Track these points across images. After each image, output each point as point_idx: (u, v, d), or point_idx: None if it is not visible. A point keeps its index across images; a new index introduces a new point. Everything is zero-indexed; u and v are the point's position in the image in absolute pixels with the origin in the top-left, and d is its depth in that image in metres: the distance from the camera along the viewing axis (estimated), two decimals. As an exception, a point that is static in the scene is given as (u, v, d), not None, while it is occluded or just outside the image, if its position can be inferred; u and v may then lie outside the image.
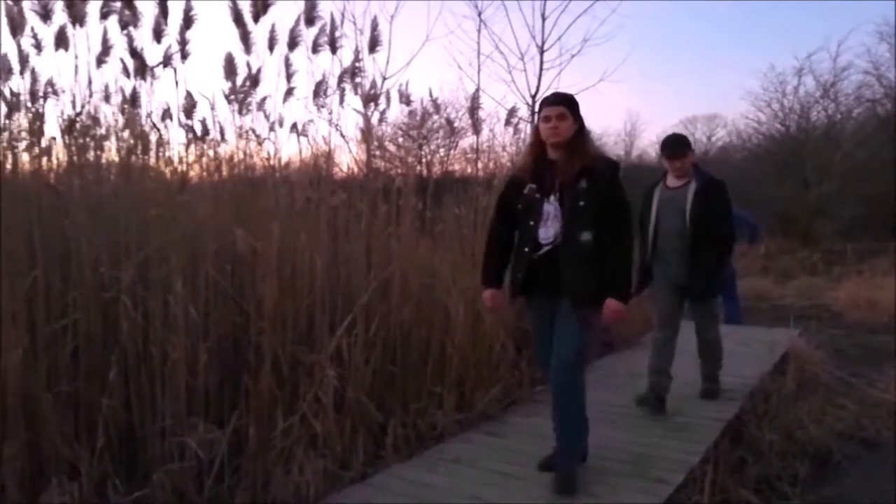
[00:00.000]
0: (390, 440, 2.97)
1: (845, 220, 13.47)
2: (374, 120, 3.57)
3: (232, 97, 3.34)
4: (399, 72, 3.44)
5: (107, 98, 3.29)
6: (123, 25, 3.00)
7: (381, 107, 3.59)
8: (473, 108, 3.56)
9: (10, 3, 2.83)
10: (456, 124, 4.52)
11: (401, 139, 4.83)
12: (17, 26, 2.88)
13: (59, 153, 3.17)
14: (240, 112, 3.37)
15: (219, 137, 3.44)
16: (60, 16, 2.86)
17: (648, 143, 26.60)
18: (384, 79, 3.56)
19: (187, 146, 3.47)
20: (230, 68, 3.26)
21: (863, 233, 13.22)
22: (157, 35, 3.06)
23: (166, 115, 3.37)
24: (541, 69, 6.42)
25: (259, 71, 3.29)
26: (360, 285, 3.25)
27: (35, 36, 2.96)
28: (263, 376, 2.81)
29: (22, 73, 3.02)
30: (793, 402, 3.83)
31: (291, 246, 3.15)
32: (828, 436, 3.40)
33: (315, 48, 3.24)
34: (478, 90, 3.73)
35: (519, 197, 2.64)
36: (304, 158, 3.68)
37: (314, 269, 3.09)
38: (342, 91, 3.35)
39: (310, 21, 3.16)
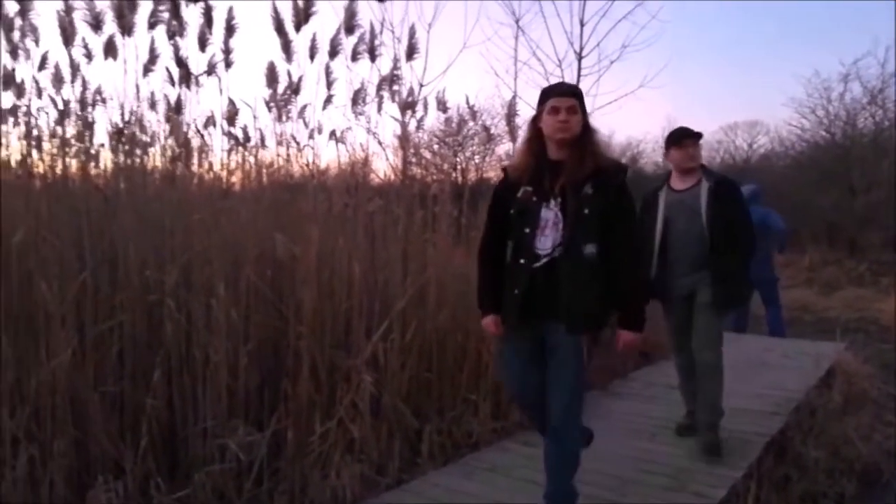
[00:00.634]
0: (426, 447, 2.97)
1: (893, 229, 13.01)
2: (411, 127, 3.59)
3: (273, 105, 3.40)
4: (436, 79, 3.45)
5: (153, 105, 3.39)
6: (170, 35, 3.08)
7: (418, 114, 3.61)
8: (510, 115, 3.55)
9: (62, 13, 2.94)
10: (492, 131, 4.53)
11: (436, 146, 4.85)
12: (68, 36, 2.98)
13: (107, 159, 3.28)
14: (280, 119, 3.43)
15: (259, 144, 3.51)
16: (110, 26, 2.94)
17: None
18: (421, 86, 3.58)
19: (229, 153, 3.55)
20: (272, 76, 3.33)
21: (912, 243, 12.74)
22: (202, 44, 3.14)
23: (209, 122, 3.45)
24: (579, 75, 6.37)
25: (300, 79, 3.34)
26: (397, 291, 3.26)
27: (86, 45, 3.07)
28: (302, 380, 2.84)
29: (73, 81, 3.13)
30: (839, 418, 3.71)
31: (330, 251, 3.18)
32: (876, 453, 3.28)
33: (354, 56, 3.27)
34: (515, 97, 3.72)
35: (513, 201, 2.26)
36: (341, 165, 3.72)
37: (352, 275, 3.12)
38: (380, 98, 3.38)
39: (350, 30, 3.20)
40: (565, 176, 2.18)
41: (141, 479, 2.52)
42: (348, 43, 3.26)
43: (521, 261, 2.20)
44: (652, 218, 3.22)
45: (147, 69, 3.12)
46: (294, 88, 3.36)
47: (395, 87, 3.46)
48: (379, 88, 3.34)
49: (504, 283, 2.26)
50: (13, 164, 2.96)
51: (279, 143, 3.47)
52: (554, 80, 6.80)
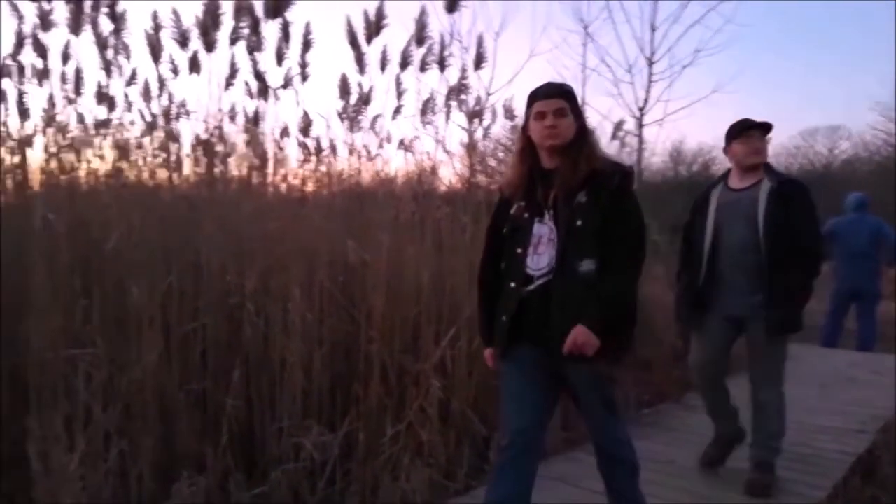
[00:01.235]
0: (493, 454, 2.96)
1: None
2: (478, 135, 3.62)
3: (345, 115, 3.50)
4: (503, 87, 3.46)
5: (232, 118, 3.55)
6: (250, 50, 3.21)
7: (485, 122, 3.64)
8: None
9: (151, 31, 3.12)
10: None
11: (501, 153, 4.86)
12: (157, 53, 3.16)
13: (190, 169, 3.45)
14: (351, 129, 3.52)
15: (331, 154, 3.61)
16: (196, 42, 3.10)
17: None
18: (488, 94, 3.60)
19: (303, 162, 3.67)
20: (344, 88, 3.42)
21: None
22: (279, 58, 3.26)
23: (285, 133, 3.58)
24: (649, 81, 6.28)
25: (370, 90, 3.43)
26: (464, 298, 3.28)
27: (173, 61, 3.24)
28: (373, 384, 2.90)
29: (160, 95, 3.31)
30: (932, 438, 3.47)
31: (399, 258, 3.24)
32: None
33: (423, 67, 3.33)
34: (583, 104, 3.67)
35: (507, 219, 2.06)
36: (409, 173, 3.78)
37: (420, 281, 3.16)
38: (448, 108, 3.42)
39: (420, 41, 3.26)
40: (557, 185, 1.95)
41: (221, 476, 2.62)
42: (418, 54, 3.32)
43: (511, 284, 1.99)
44: (701, 221, 2.79)
45: (228, 83, 3.27)
46: (365, 99, 3.44)
47: (463, 97, 3.50)
48: (447, 98, 3.39)
49: (497, 310, 2.05)
50: (106, 174, 3.15)
51: (350, 153, 3.56)
52: (623, 87, 6.73)
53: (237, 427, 2.75)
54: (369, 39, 3.26)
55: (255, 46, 3.20)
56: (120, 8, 2.88)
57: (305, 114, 3.51)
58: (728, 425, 2.96)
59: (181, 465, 2.59)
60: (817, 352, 3.43)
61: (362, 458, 2.77)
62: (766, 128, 2.76)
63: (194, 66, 3.22)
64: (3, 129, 3.06)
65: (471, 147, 3.60)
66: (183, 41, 3.05)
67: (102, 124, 3.23)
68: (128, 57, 3.21)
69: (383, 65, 3.34)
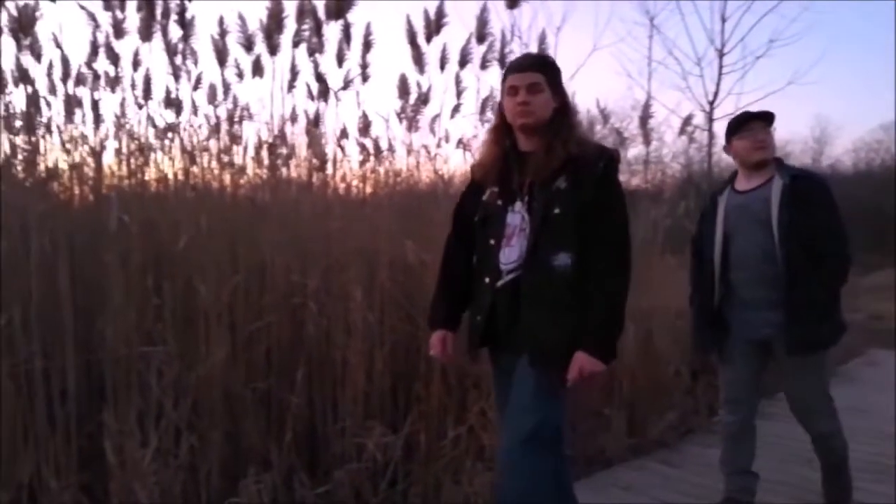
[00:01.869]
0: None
1: None
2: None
3: (403, 115, 3.49)
4: (565, 82, 3.37)
5: (293, 120, 3.59)
6: (311, 52, 3.24)
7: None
8: (645, 117, 3.42)
9: (217, 37, 3.19)
10: (624, 134, 4.40)
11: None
12: (222, 57, 3.23)
13: (253, 171, 3.50)
14: (410, 129, 3.52)
15: (390, 154, 3.62)
16: (260, 46, 3.15)
17: (842, 150, 23.74)
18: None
19: (362, 163, 3.68)
20: (403, 88, 3.42)
21: None
22: (340, 60, 3.28)
23: (344, 134, 3.61)
24: (720, 73, 6.06)
25: (429, 89, 3.41)
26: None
27: (237, 65, 3.30)
28: (433, 385, 2.88)
29: (225, 99, 3.38)
30: None
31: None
32: None
33: (484, 64, 3.29)
34: (649, 98, 3.58)
35: (478, 206, 1.88)
36: (467, 172, 3.74)
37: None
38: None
39: (481, 38, 3.23)
40: (531, 169, 1.76)
41: (285, 474, 2.65)
42: (478, 52, 3.29)
43: (486, 279, 1.81)
44: (709, 231, 2.46)
45: (290, 85, 3.31)
46: (424, 99, 3.43)
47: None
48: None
49: (471, 306, 1.90)
50: (175, 177, 3.24)
51: (409, 153, 3.56)
52: (692, 80, 6.48)
53: (300, 426, 2.78)
54: (429, 38, 3.25)
55: (316, 48, 3.23)
56: (189, 15, 2.94)
57: (364, 114, 3.52)
58: (736, 483, 2.50)
59: (247, 463, 2.63)
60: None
61: (424, 459, 2.75)
62: (767, 118, 2.44)
63: (258, 69, 3.27)
64: (78, 134, 3.18)
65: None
66: (248, 45, 3.10)
67: (170, 128, 3.31)
68: (195, 62, 3.29)
69: (443, 63, 3.32)
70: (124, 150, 3.11)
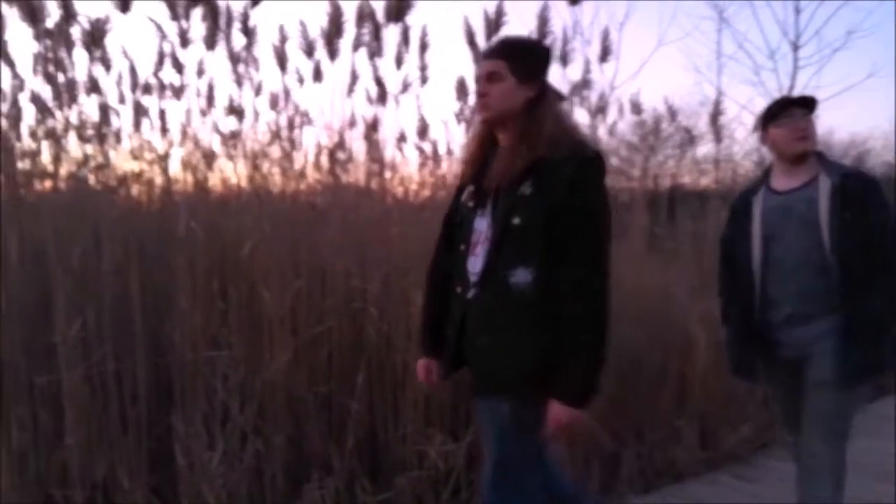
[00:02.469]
0: (625, 471, 2.80)
1: None
2: (602, 132, 3.45)
3: (462, 118, 3.45)
4: (629, 80, 3.27)
5: (352, 124, 3.60)
6: (370, 56, 3.24)
7: (610, 118, 3.46)
8: (715, 114, 3.27)
9: (278, 44, 3.22)
10: (693, 132, 4.25)
11: (624, 151, 4.65)
12: (283, 63, 3.26)
13: (313, 176, 3.53)
14: (468, 131, 3.47)
15: (449, 157, 3.58)
16: (320, 52, 3.16)
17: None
18: (613, 89, 3.42)
19: (420, 166, 3.66)
20: (461, 90, 3.38)
21: None
22: (398, 62, 3.26)
23: (402, 138, 3.59)
24: (794, 67, 5.77)
25: (488, 90, 3.35)
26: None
27: (298, 71, 3.33)
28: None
29: (285, 105, 3.41)
30: None
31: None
32: None
33: (545, 63, 3.21)
34: (720, 94, 3.42)
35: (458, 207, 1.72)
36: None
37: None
38: (570, 105, 3.28)
39: (542, 36, 3.14)
40: (494, 171, 1.58)
41: (347, 479, 2.64)
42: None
43: (458, 289, 1.64)
44: (744, 236, 2.14)
45: (349, 90, 3.32)
46: (482, 99, 3.37)
47: (585, 92, 3.35)
48: (570, 94, 3.25)
49: (448, 319, 1.70)
50: (238, 183, 3.29)
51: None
52: (765, 74, 6.18)
53: (361, 431, 2.77)
54: (488, 38, 3.19)
55: (375, 52, 3.22)
56: (252, 23, 2.98)
57: (422, 118, 3.49)
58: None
59: (310, 467, 2.64)
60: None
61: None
62: (809, 104, 2.11)
63: (318, 74, 3.28)
64: (145, 142, 3.28)
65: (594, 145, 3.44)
66: (309, 51, 3.11)
67: (233, 135, 3.37)
68: (257, 69, 3.33)
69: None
70: (189, 157, 3.18)
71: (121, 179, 3.11)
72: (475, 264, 1.59)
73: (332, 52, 3.13)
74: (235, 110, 3.29)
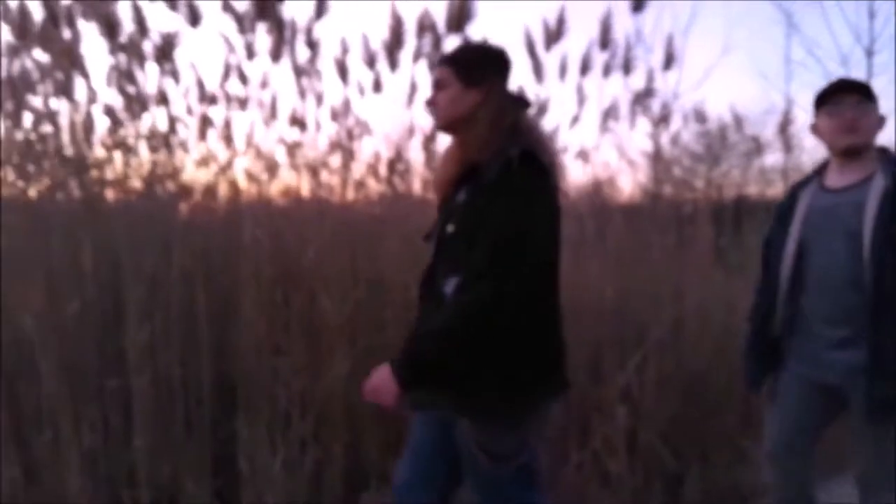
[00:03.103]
0: (687, 492, 2.71)
1: None
2: (665, 142, 3.37)
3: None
4: (693, 88, 3.18)
5: (410, 134, 3.61)
6: (430, 66, 3.24)
7: (673, 127, 3.37)
8: (784, 123, 3.15)
9: (340, 56, 3.26)
10: (760, 141, 4.12)
11: (686, 160, 4.54)
12: (345, 75, 3.30)
13: (373, 186, 3.56)
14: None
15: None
16: (381, 63, 3.19)
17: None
18: (676, 97, 3.33)
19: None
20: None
21: None
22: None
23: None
24: (869, 74, 5.53)
25: (547, 100, 3.32)
26: (650, 319, 3.05)
27: (359, 83, 3.36)
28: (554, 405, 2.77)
29: (346, 116, 3.46)
30: None
31: (577, 274, 3.09)
32: None
33: (607, 71, 3.16)
34: (788, 102, 3.29)
35: None
36: (586, 185, 3.62)
37: (602, 300, 2.99)
38: (633, 113, 3.22)
39: (604, 45, 3.10)
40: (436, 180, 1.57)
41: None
42: (600, 58, 3.15)
43: (428, 303, 1.61)
44: (782, 236, 1.90)
45: (408, 100, 3.33)
46: (541, 108, 3.34)
47: (648, 101, 3.27)
48: (633, 103, 3.19)
49: None
50: (299, 193, 3.35)
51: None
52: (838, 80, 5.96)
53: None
54: (548, 46, 3.16)
55: (435, 62, 3.22)
56: (315, 36, 3.03)
57: (480, 127, 3.48)
58: None
59: (369, 476, 2.65)
60: None
61: (547, 483, 2.65)
62: (863, 91, 1.82)
63: (377, 85, 3.31)
64: (211, 152, 3.36)
65: (657, 155, 3.36)
66: (370, 62, 3.14)
67: (295, 145, 3.43)
68: (319, 81, 3.38)
69: (562, 71, 3.21)
70: (253, 167, 3.25)
71: (187, 188, 3.19)
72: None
73: (393, 64, 3.15)
74: (298, 121, 3.35)
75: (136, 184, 3.13)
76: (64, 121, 3.09)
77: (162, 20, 2.93)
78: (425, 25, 3.07)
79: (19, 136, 3.14)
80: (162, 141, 3.18)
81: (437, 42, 3.09)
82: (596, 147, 3.38)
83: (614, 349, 2.95)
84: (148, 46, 2.97)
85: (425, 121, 3.45)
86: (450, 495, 1.70)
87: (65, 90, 3.00)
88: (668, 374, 2.92)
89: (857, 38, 5.89)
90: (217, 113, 3.34)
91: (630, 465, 2.71)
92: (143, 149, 3.19)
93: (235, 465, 2.55)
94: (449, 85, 1.55)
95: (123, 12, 2.86)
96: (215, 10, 2.92)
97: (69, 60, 2.94)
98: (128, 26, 2.89)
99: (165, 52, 3.02)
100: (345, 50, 3.20)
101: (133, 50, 2.95)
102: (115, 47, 2.94)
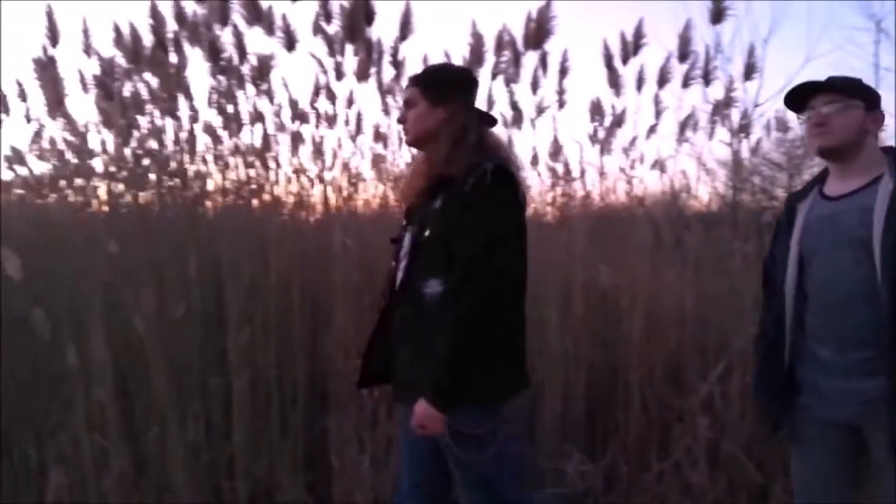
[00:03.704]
0: (773, 505, 2.67)
1: None
2: (745, 152, 3.33)
3: (596, 139, 3.47)
4: (773, 97, 3.15)
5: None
6: (507, 82, 3.34)
7: (754, 136, 3.34)
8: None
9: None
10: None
11: (764, 168, 4.45)
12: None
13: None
14: (602, 152, 3.48)
15: (581, 177, 3.60)
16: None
17: None
18: (756, 106, 3.30)
19: (552, 187, 3.71)
20: (596, 111, 3.40)
21: None
22: (534, 87, 3.34)
23: (534, 159, 3.66)
24: (963, 78, 5.26)
25: (623, 111, 3.36)
26: (732, 329, 3.02)
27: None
28: (632, 414, 2.80)
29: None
30: None
31: (656, 283, 3.10)
32: None
33: (686, 83, 3.17)
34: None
35: None
36: (662, 194, 3.62)
37: (683, 308, 2.99)
38: (712, 123, 3.21)
39: (683, 57, 3.12)
40: (412, 185, 1.72)
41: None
42: (679, 70, 3.17)
43: (386, 304, 1.77)
44: (783, 253, 1.71)
45: (487, 115, 3.44)
46: (618, 121, 3.38)
47: (727, 111, 3.26)
48: (712, 114, 3.18)
49: None
50: (381, 203, 3.50)
51: (601, 175, 3.52)
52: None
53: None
54: (625, 60, 3.21)
55: (512, 78, 3.32)
56: (401, 56, 3.18)
57: (555, 139, 3.55)
58: None
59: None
60: None
61: (625, 492, 2.67)
62: (834, 87, 1.66)
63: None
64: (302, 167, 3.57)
65: (735, 164, 3.34)
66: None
67: (378, 159, 3.59)
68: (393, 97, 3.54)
69: (639, 84, 3.25)
70: (340, 180, 3.43)
71: (280, 200, 3.40)
72: (399, 278, 1.70)
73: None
74: (381, 136, 3.51)
75: (234, 196, 3.35)
76: (168, 137, 3.36)
77: (259, 44, 3.12)
78: (504, 43, 3.18)
79: (127, 151, 3.42)
80: (257, 156, 3.41)
81: (516, 59, 3.19)
82: (672, 157, 3.39)
83: (695, 358, 2.94)
84: (246, 69, 3.19)
85: (501, 133, 3.55)
86: (444, 499, 1.80)
87: (170, 110, 3.27)
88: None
89: (953, 43, 5.60)
90: (307, 130, 3.56)
91: (712, 476, 2.69)
92: (240, 163, 3.42)
93: (327, 461, 2.69)
94: (416, 103, 1.70)
95: (225, 38, 3.08)
96: (307, 32, 3.12)
97: (176, 83, 3.21)
98: (228, 50, 3.12)
99: (262, 73, 3.25)
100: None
101: (232, 72, 3.19)
102: (217, 70, 3.17)
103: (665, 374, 2.94)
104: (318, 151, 3.42)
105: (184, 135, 3.37)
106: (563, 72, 3.25)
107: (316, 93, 3.40)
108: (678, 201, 3.52)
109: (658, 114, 3.27)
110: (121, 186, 3.37)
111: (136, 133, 3.33)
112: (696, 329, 2.96)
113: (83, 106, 3.30)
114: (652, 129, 3.38)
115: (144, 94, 3.24)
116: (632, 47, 3.17)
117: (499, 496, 1.63)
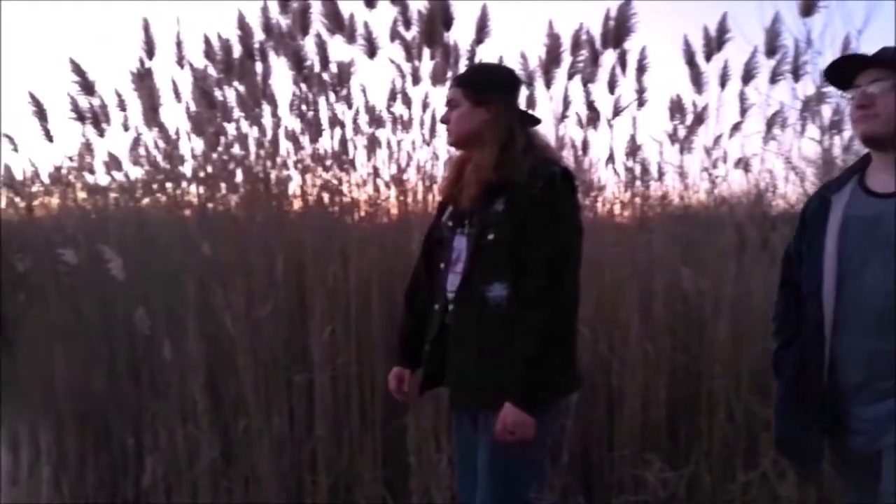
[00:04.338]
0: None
1: None
2: (836, 149, 3.17)
3: (676, 137, 3.38)
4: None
5: (561, 147, 3.68)
6: (584, 82, 3.30)
7: (846, 133, 3.17)
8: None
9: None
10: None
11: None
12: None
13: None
14: (682, 151, 3.39)
15: (660, 177, 3.51)
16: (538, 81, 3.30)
17: None
18: (848, 101, 3.13)
19: (627, 186, 3.64)
20: (677, 109, 3.32)
21: None
22: (612, 86, 3.29)
23: (611, 159, 3.60)
24: None
25: (705, 109, 3.26)
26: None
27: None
28: (717, 421, 2.71)
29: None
30: None
31: (741, 286, 3.00)
32: None
33: (774, 78, 3.05)
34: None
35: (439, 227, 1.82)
36: (745, 194, 3.49)
37: (769, 310, 2.87)
38: (804, 120, 3.07)
39: (771, 52, 3.00)
40: (464, 193, 1.67)
41: (562, 494, 2.70)
42: (767, 65, 3.05)
43: (435, 306, 1.73)
44: (813, 255, 1.46)
45: (562, 116, 3.41)
46: (699, 119, 3.28)
47: (818, 107, 3.11)
48: (802, 110, 3.05)
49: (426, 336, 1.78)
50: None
51: (680, 175, 3.43)
52: None
53: (575, 448, 2.81)
54: (709, 56, 3.11)
55: (589, 78, 3.28)
56: (477, 59, 3.19)
57: (632, 138, 3.48)
58: None
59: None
60: None
61: (709, 502, 2.60)
62: (883, 61, 1.41)
63: (531, 102, 3.42)
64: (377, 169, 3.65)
65: (825, 163, 3.18)
66: (528, 81, 3.26)
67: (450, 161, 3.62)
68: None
69: (723, 81, 3.14)
70: (415, 182, 3.49)
71: (357, 203, 3.49)
72: (454, 282, 1.68)
73: (549, 81, 3.25)
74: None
75: (315, 199, 3.46)
76: (252, 143, 3.50)
77: (340, 51, 3.21)
78: (581, 42, 3.14)
79: (214, 156, 3.59)
80: (335, 160, 3.51)
81: (594, 58, 3.15)
82: (758, 155, 3.26)
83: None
84: (327, 76, 3.30)
85: (576, 134, 3.52)
86: None
87: (255, 117, 3.41)
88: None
89: None
90: (383, 134, 3.63)
91: (801, 488, 2.58)
92: (320, 167, 3.53)
93: (405, 458, 2.75)
94: (459, 104, 1.70)
95: (308, 46, 3.20)
96: (385, 37, 3.19)
97: (261, 91, 3.35)
98: (311, 59, 3.23)
99: (342, 80, 3.34)
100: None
101: (314, 80, 3.30)
102: (300, 78, 3.29)
103: (751, 381, 2.84)
104: (393, 155, 3.49)
105: (267, 141, 3.52)
106: (642, 70, 3.18)
107: (392, 97, 3.47)
108: (763, 201, 3.39)
109: (743, 111, 3.16)
110: (206, 190, 3.54)
111: (223, 140, 3.50)
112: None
113: (175, 114, 3.50)
114: (736, 127, 3.27)
115: (232, 102, 3.39)
116: (715, 43, 3.08)
117: (517, 495, 1.67)
